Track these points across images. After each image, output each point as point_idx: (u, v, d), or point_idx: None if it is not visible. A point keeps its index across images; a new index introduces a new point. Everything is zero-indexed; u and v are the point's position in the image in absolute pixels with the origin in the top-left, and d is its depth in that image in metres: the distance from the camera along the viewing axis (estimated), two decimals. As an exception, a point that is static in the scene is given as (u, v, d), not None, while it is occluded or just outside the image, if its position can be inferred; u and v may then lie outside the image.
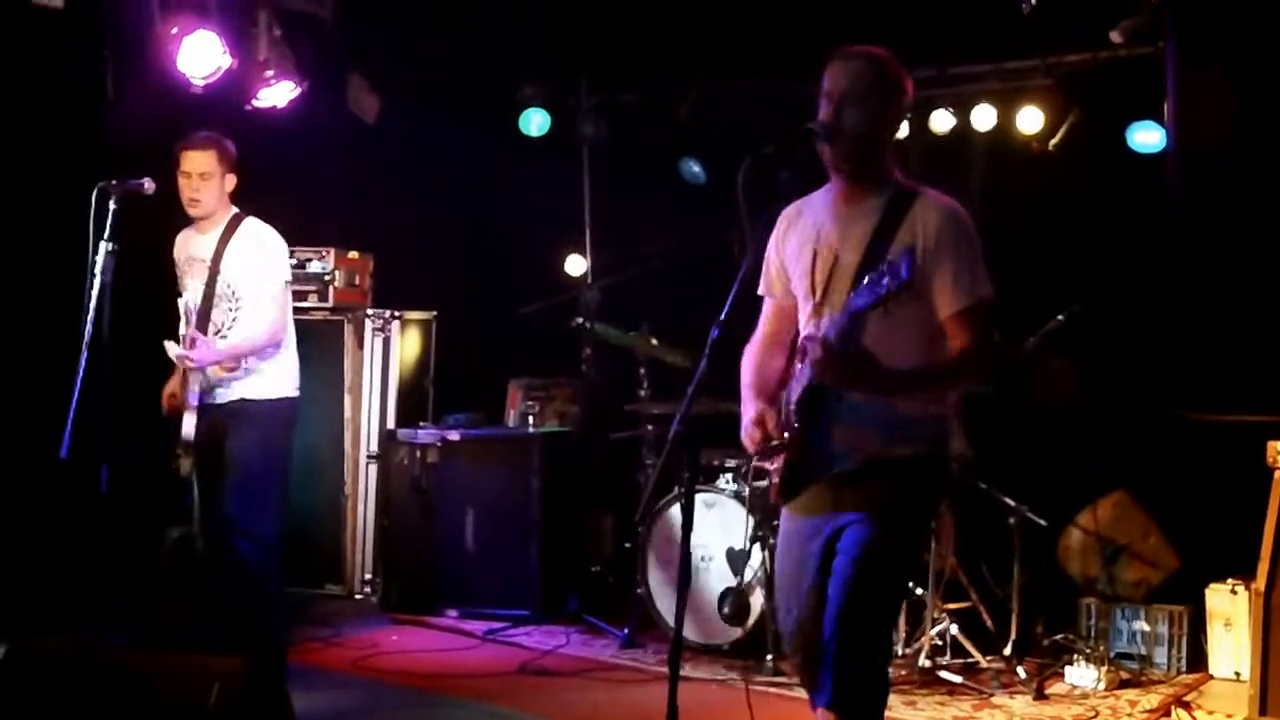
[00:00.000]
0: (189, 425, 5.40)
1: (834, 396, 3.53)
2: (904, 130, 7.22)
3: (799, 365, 3.61)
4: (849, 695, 3.51)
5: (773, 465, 3.73)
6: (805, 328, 3.67)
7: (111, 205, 4.85)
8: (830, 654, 3.52)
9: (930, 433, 3.63)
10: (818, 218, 3.67)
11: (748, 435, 3.70)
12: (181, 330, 5.47)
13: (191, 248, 5.57)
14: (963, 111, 7.31)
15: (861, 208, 3.58)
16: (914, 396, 3.59)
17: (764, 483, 6.11)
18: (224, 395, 5.43)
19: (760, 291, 3.86)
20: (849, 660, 3.51)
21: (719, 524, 6.28)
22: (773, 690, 5.65)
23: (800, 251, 3.68)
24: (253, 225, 5.51)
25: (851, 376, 3.45)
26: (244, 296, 5.43)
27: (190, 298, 5.52)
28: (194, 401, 5.39)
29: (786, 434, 3.64)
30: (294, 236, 5.60)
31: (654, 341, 6.85)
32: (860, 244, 3.54)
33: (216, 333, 5.43)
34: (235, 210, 5.53)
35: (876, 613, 3.61)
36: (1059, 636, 6.10)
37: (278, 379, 5.50)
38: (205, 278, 5.46)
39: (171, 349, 5.37)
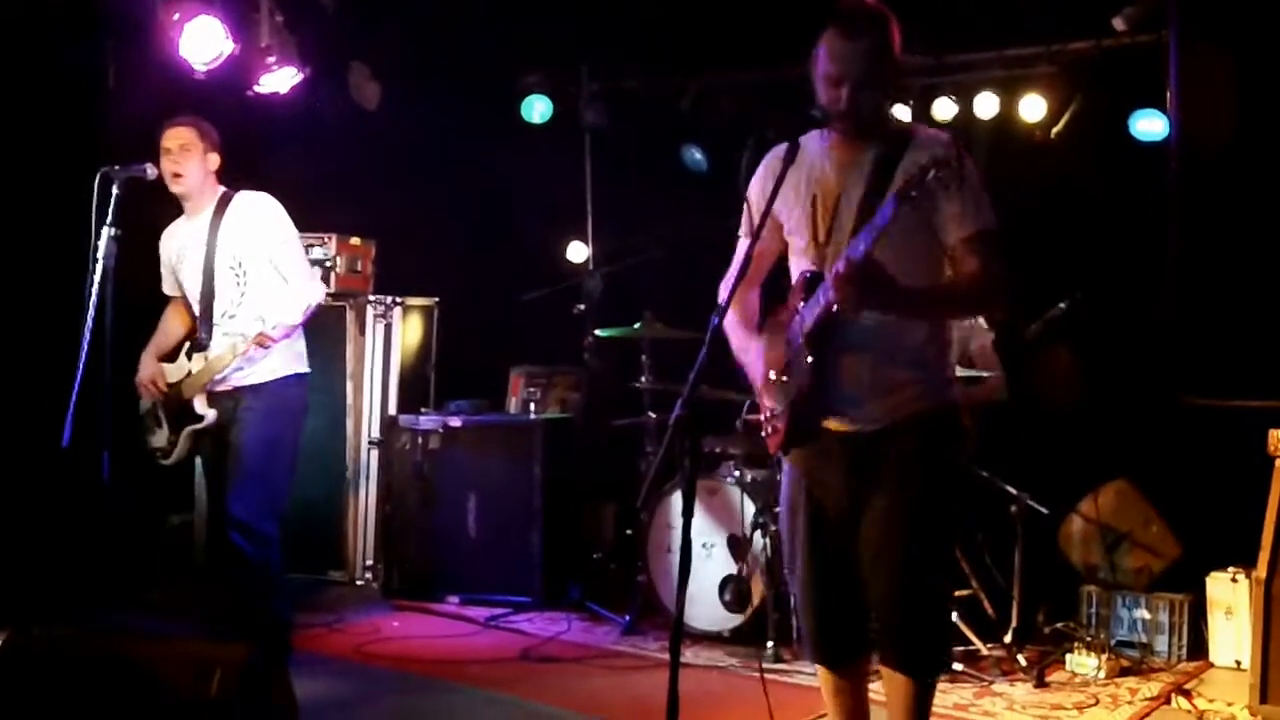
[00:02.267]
0: (203, 405, 5.41)
1: (844, 329, 3.51)
2: (906, 116, 7.29)
3: (801, 304, 3.58)
4: (921, 660, 3.68)
5: (774, 412, 3.71)
6: (802, 266, 3.66)
7: (114, 191, 4.86)
8: (899, 625, 3.63)
9: (941, 376, 3.66)
10: (814, 163, 3.65)
11: (754, 371, 3.69)
12: (197, 315, 5.46)
13: (181, 239, 5.54)
14: (965, 99, 7.30)
15: (861, 151, 3.58)
16: (932, 316, 3.61)
17: (764, 471, 6.18)
18: (231, 381, 5.42)
19: (742, 232, 3.80)
20: (919, 631, 3.65)
21: (720, 511, 6.28)
22: (773, 677, 5.65)
23: (798, 196, 3.66)
24: (245, 196, 5.51)
25: (874, 292, 3.37)
26: (251, 269, 5.40)
27: (190, 287, 5.51)
28: (213, 421, 5.42)
29: (789, 376, 3.62)
30: (295, 222, 5.58)
31: (659, 325, 6.83)
32: (864, 181, 3.54)
33: (224, 313, 5.42)
34: (223, 189, 5.53)
35: (938, 580, 3.74)
36: (1060, 624, 6.11)
37: (288, 357, 5.50)
38: (202, 259, 5.44)
39: (217, 352, 5.35)
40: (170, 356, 5.60)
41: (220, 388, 5.42)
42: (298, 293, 5.39)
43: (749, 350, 3.76)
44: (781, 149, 3.59)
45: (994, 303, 4.07)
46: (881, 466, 3.58)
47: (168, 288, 5.72)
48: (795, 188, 3.67)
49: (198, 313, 5.45)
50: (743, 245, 3.78)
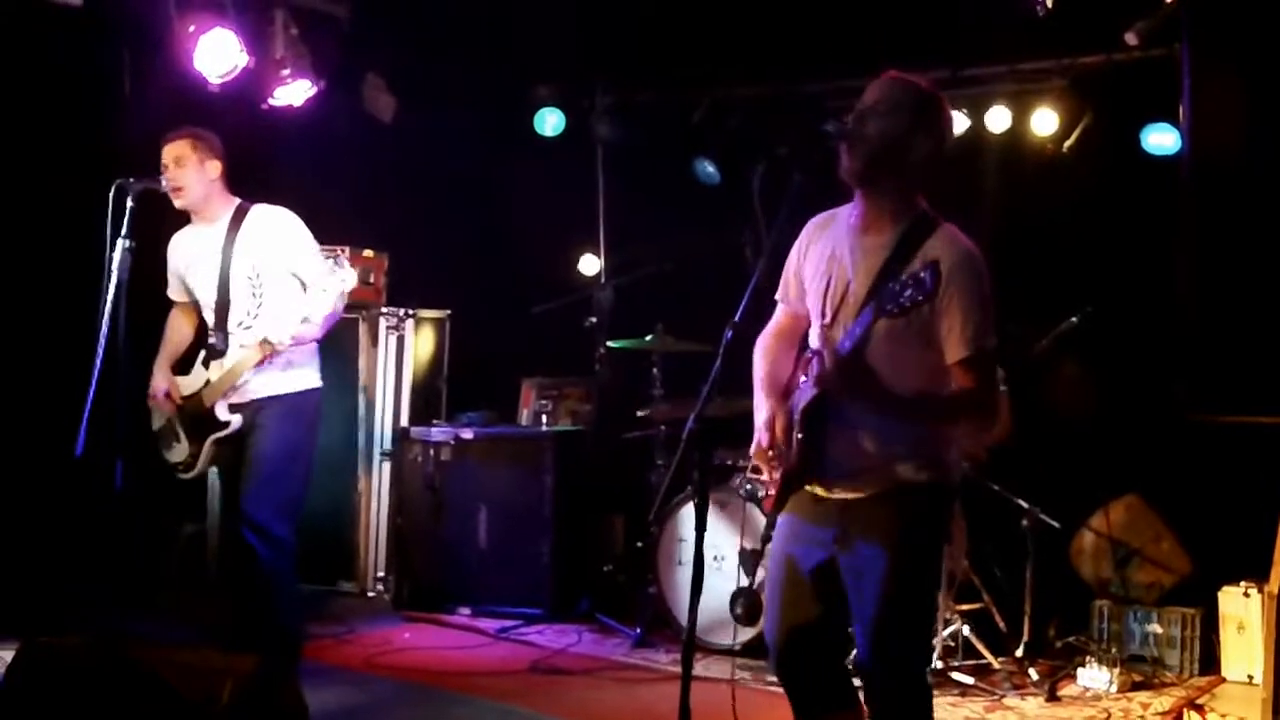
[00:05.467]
0: (226, 412, 5.42)
1: (838, 408, 3.54)
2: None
3: (804, 378, 3.62)
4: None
5: (770, 476, 3.75)
6: (813, 342, 3.70)
7: (129, 203, 4.88)
8: (876, 689, 3.63)
9: (935, 456, 3.63)
10: (837, 241, 3.66)
11: (759, 435, 3.71)
12: (210, 323, 5.47)
13: (192, 247, 5.53)
14: (977, 113, 7.29)
15: (879, 237, 3.58)
16: (917, 422, 3.60)
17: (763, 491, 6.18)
18: (245, 395, 5.44)
19: (778, 296, 3.87)
20: (895, 696, 3.64)
21: (731, 524, 6.29)
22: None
23: (817, 271, 3.69)
24: (263, 209, 5.51)
25: (855, 385, 3.46)
26: (268, 280, 5.41)
27: (203, 295, 5.51)
28: (237, 427, 5.41)
29: (789, 444, 3.65)
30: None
31: (670, 338, 6.84)
32: (873, 272, 3.54)
33: (240, 322, 5.43)
34: (238, 200, 5.54)
35: (913, 645, 3.70)
36: (1071, 638, 6.10)
37: (295, 371, 5.49)
38: (217, 270, 5.44)
39: (233, 361, 5.35)
40: (182, 367, 5.60)
41: (240, 398, 5.43)
42: (320, 300, 5.38)
43: (761, 407, 3.76)
44: (819, 219, 3.69)
45: (981, 424, 4.11)
46: (864, 529, 3.57)
47: (174, 293, 5.70)
48: (817, 263, 3.70)
49: (212, 321, 5.46)
50: (781, 308, 3.90)
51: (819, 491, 3.65)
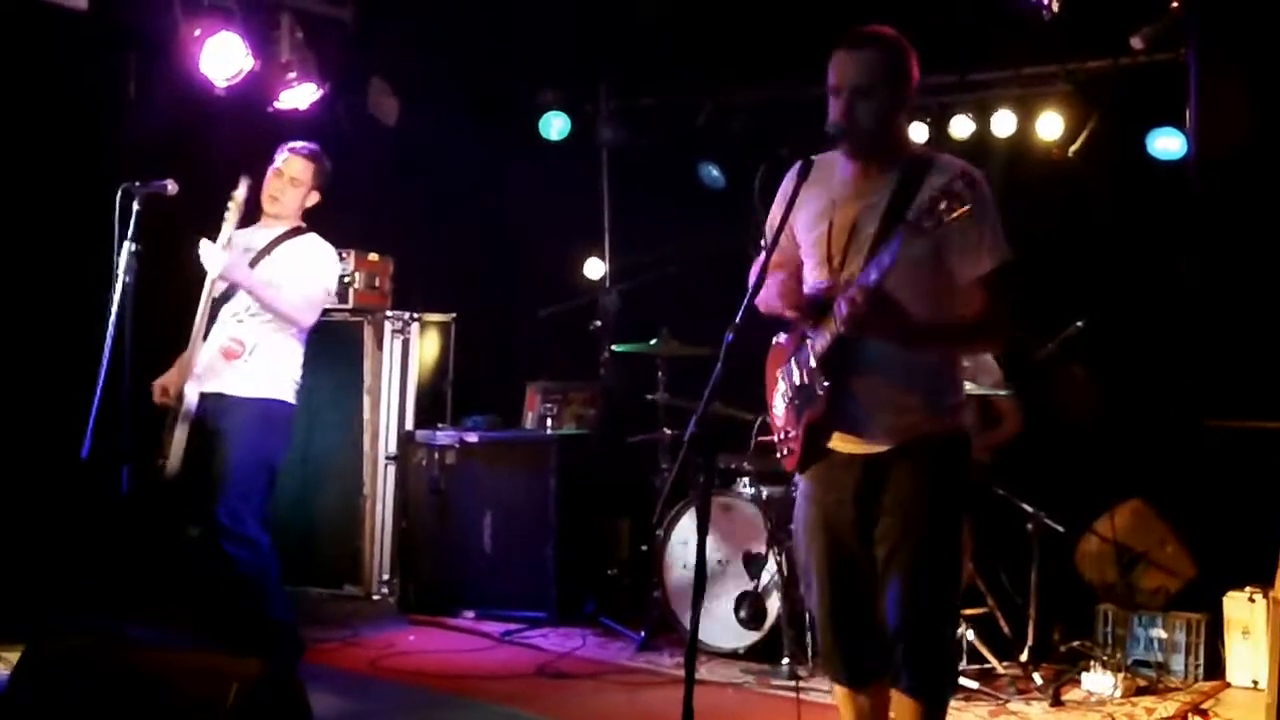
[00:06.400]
0: (193, 393, 5.41)
1: (857, 353, 3.53)
2: (923, 133, 7.29)
3: (811, 332, 3.60)
4: (929, 682, 3.66)
5: (790, 433, 3.73)
6: (814, 287, 3.68)
7: (134, 206, 4.89)
8: (906, 647, 3.61)
9: (952, 401, 3.67)
10: (834, 187, 3.65)
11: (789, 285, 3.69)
12: (201, 308, 5.51)
13: (246, 240, 5.62)
14: (982, 117, 7.31)
15: (879, 179, 3.59)
16: (935, 351, 3.63)
17: (779, 488, 6.18)
18: (213, 384, 5.45)
19: (762, 243, 3.77)
20: (926, 653, 3.63)
21: (735, 527, 6.29)
22: (788, 694, 5.65)
23: (815, 219, 3.67)
24: (313, 238, 5.62)
25: (882, 322, 3.44)
26: (278, 286, 5.47)
27: (220, 284, 5.58)
28: (192, 411, 5.41)
29: (800, 399, 3.63)
30: (314, 237, 5.65)
31: (675, 342, 6.85)
32: (880, 209, 3.54)
33: (234, 315, 5.49)
34: (302, 223, 5.63)
35: (944, 603, 3.72)
36: (1076, 643, 6.09)
37: (269, 380, 5.50)
38: (245, 264, 5.52)
39: (208, 249, 5.37)
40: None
41: (211, 386, 5.45)
42: (288, 294, 5.45)
43: (771, 289, 3.68)
44: (797, 167, 3.61)
45: (996, 341, 4.11)
46: (890, 487, 3.59)
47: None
48: (812, 209, 3.68)
49: (209, 307, 5.50)
50: (758, 262, 3.78)
51: (840, 447, 3.64)
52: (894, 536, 3.58)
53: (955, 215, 3.27)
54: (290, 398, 5.58)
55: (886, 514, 3.60)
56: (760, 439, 6.13)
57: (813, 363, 3.60)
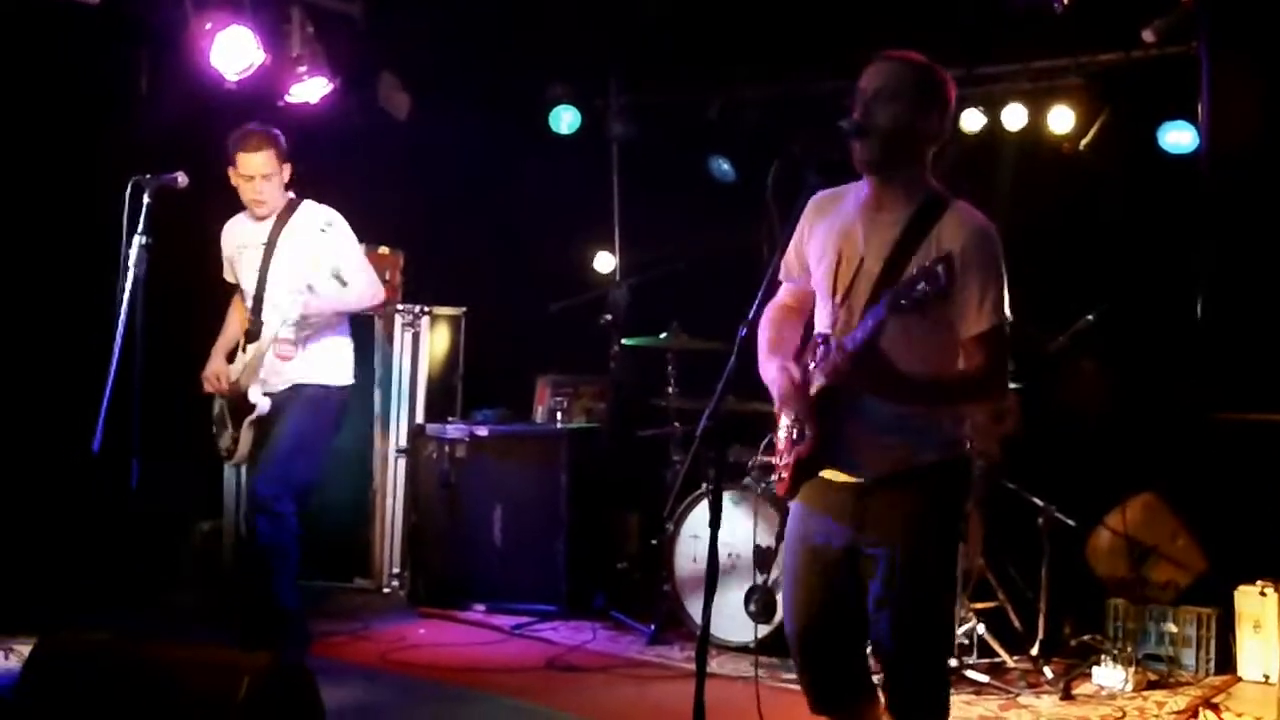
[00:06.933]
0: (258, 395, 5.55)
1: (849, 398, 3.51)
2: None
3: (812, 364, 3.59)
4: (915, 714, 3.62)
5: (783, 461, 3.73)
6: (822, 323, 3.67)
7: (145, 199, 4.90)
8: (894, 676, 3.60)
9: (949, 435, 3.61)
10: (846, 218, 3.63)
11: (781, 379, 3.65)
12: (249, 309, 5.58)
13: (242, 235, 5.67)
14: (993, 111, 7.28)
15: (891, 215, 3.54)
16: (925, 406, 3.58)
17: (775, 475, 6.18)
18: (277, 383, 5.57)
19: (780, 276, 3.79)
20: (913, 683, 3.61)
21: (746, 521, 6.28)
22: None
23: (824, 250, 3.65)
24: (311, 206, 5.63)
25: (868, 381, 3.44)
26: (313, 275, 5.48)
27: (245, 282, 5.64)
28: (265, 412, 5.57)
29: (796, 434, 3.64)
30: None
31: (685, 336, 6.85)
32: (884, 251, 3.50)
33: (276, 308, 5.53)
34: (290, 195, 5.63)
35: (935, 632, 3.66)
36: (1086, 637, 6.09)
37: (331, 365, 5.65)
38: (259, 261, 5.57)
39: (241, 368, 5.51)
40: (234, 355, 5.72)
41: (273, 383, 5.59)
42: (351, 290, 5.53)
43: (769, 364, 3.72)
44: (823, 196, 3.64)
45: (994, 398, 4.09)
46: (881, 515, 3.54)
47: (227, 275, 5.92)
48: (825, 240, 3.66)
49: (250, 306, 5.59)
50: (784, 287, 3.84)
51: (833, 477, 3.61)
52: (885, 567, 3.52)
53: (929, 298, 3.24)
54: (346, 379, 5.75)
55: (876, 543, 3.55)
56: (763, 459, 6.17)
57: (809, 400, 3.57)
